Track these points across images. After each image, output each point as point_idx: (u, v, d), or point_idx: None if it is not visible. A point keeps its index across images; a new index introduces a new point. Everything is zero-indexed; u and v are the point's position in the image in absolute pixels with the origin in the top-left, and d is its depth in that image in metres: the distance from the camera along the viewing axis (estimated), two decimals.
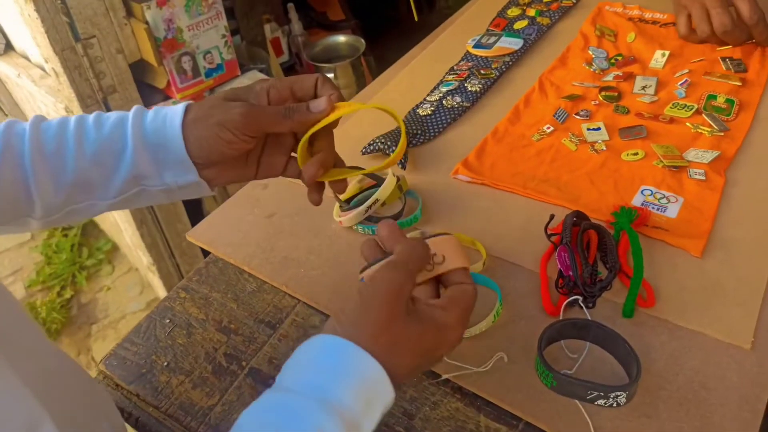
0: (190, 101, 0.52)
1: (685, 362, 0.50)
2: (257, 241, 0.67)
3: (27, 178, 0.48)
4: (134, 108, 0.51)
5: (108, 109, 1.24)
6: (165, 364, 0.57)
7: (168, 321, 0.61)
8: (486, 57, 0.90)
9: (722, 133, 0.71)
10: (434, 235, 0.46)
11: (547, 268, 0.57)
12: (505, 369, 0.51)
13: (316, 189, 0.55)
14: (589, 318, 0.51)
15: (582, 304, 0.53)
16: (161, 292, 1.69)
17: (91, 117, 0.50)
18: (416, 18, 2.07)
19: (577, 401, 0.48)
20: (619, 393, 0.46)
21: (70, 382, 0.48)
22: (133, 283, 2.02)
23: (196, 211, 1.53)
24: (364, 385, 0.38)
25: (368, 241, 0.48)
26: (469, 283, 0.45)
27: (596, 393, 0.47)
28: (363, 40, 1.64)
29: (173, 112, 0.50)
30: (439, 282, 0.46)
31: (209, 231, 0.70)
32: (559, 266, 0.55)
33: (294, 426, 0.36)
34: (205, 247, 0.68)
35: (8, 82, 1.53)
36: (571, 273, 0.53)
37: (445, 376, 0.52)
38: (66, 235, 2.15)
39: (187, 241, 0.69)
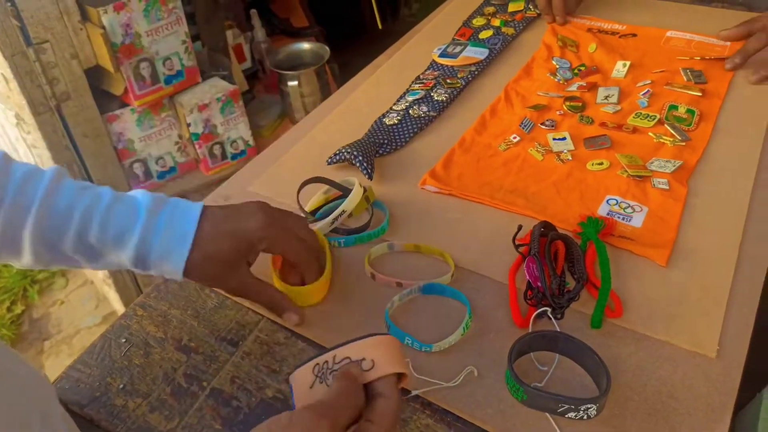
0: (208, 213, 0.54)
1: (652, 372, 0.50)
2: None
3: (22, 232, 0.48)
4: (146, 207, 0.51)
5: (62, 117, 1.19)
6: (121, 386, 0.54)
7: (124, 340, 0.58)
8: (452, 66, 0.90)
9: (684, 143, 0.73)
10: (373, 334, 0.42)
11: (515, 280, 0.57)
12: (476, 383, 0.50)
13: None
14: (558, 330, 0.51)
15: (551, 316, 0.53)
16: (118, 306, 1.63)
17: (101, 209, 0.50)
18: (380, 26, 2.07)
19: (548, 414, 0.48)
20: (589, 405, 0.46)
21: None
22: (89, 296, 1.94)
23: None
24: None
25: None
26: (390, 397, 0.39)
27: (567, 406, 0.46)
28: (327, 48, 1.63)
29: (186, 226, 0.52)
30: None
31: None
32: (527, 277, 0.55)
33: None
34: None
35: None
36: (539, 284, 0.53)
37: (414, 392, 0.50)
38: None
39: None
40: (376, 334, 0.42)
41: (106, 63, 1.19)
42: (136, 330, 0.59)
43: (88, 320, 1.88)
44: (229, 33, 1.58)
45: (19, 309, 1.91)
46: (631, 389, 0.49)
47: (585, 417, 0.47)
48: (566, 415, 0.47)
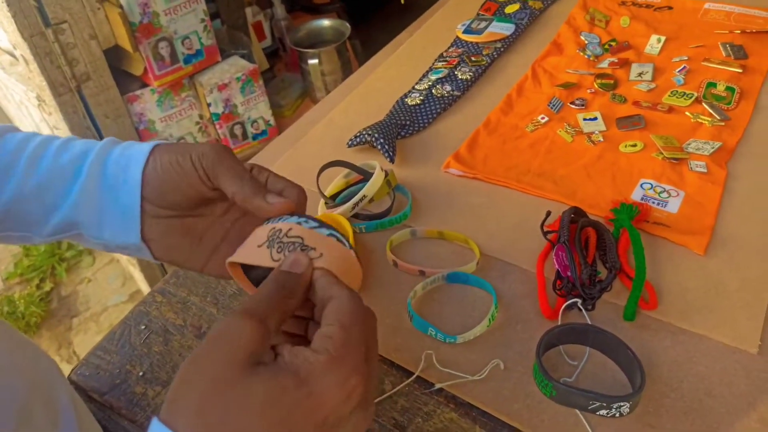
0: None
1: (689, 368, 0.48)
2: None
3: None
4: (108, 139, 0.45)
5: (82, 98, 1.19)
6: (140, 374, 0.54)
7: (143, 327, 0.58)
8: (476, 43, 0.87)
9: (723, 123, 0.69)
10: (335, 234, 0.39)
11: (544, 269, 0.55)
12: (502, 377, 0.49)
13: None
14: (589, 322, 0.48)
15: (581, 307, 0.50)
16: (143, 286, 1.65)
17: (59, 141, 0.45)
18: (402, 0, 2.02)
19: (577, 411, 0.46)
20: (622, 403, 0.44)
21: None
22: (115, 274, 1.97)
23: None
24: None
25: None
26: (338, 296, 0.34)
27: (598, 403, 0.44)
28: (348, 24, 1.59)
29: (145, 144, 0.44)
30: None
31: None
32: (556, 266, 0.52)
33: None
34: None
35: None
36: (569, 274, 0.51)
37: (438, 386, 0.49)
38: None
39: None
40: (337, 236, 0.39)
41: (125, 43, 1.18)
42: (155, 316, 0.58)
43: (114, 298, 1.91)
44: (248, 10, 1.55)
45: (48, 286, 1.95)
46: (666, 386, 0.47)
47: (617, 415, 0.45)
48: (597, 413, 0.45)
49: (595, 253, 0.55)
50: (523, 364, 0.49)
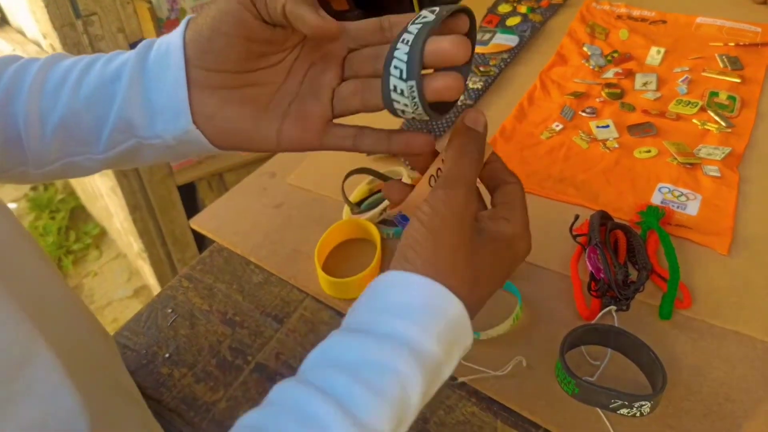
0: None
1: (708, 373, 0.49)
2: (265, 231, 0.64)
3: (17, 124, 0.42)
4: (149, 39, 0.42)
5: None
6: (167, 355, 0.55)
7: (170, 311, 0.59)
8: (483, 54, 0.89)
9: (729, 130, 0.71)
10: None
11: (578, 270, 0.56)
12: (524, 374, 0.50)
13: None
14: (616, 323, 0.50)
15: (614, 314, 0.51)
16: (151, 280, 1.66)
17: (111, 53, 0.43)
18: (417, 11, 2.05)
19: (598, 409, 0.47)
20: (643, 402, 0.45)
21: (72, 316, 0.43)
22: (121, 269, 1.98)
23: (191, 198, 1.50)
24: (447, 327, 0.34)
25: (393, 183, 0.40)
26: (514, 182, 0.40)
27: (620, 402, 0.45)
28: None
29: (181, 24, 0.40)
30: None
31: (213, 219, 0.67)
32: (590, 268, 0.54)
33: (373, 371, 0.32)
34: (210, 236, 0.66)
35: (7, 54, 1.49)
36: (602, 275, 0.52)
37: (461, 379, 0.50)
38: (53, 218, 2.11)
39: (180, 228, 0.67)
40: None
41: (152, 37, 1.20)
42: (182, 301, 0.59)
43: (119, 292, 1.91)
44: None
45: None
46: (686, 389, 0.48)
47: (638, 414, 0.45)
48: (618, 411, 0.46)
49: (626, 255, 0.56)
50: (545, 362, 0.50)
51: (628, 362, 0.50)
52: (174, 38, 0.39)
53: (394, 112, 0.36)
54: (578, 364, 0.50)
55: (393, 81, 0.34)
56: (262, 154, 1.45)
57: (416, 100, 0.34)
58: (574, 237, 0.57)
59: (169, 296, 0.60)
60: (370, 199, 0.66)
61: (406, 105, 0.35)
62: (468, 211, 0.36)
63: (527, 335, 0.52)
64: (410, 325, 0.33)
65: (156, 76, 0.40)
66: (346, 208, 0.65)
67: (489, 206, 0.41)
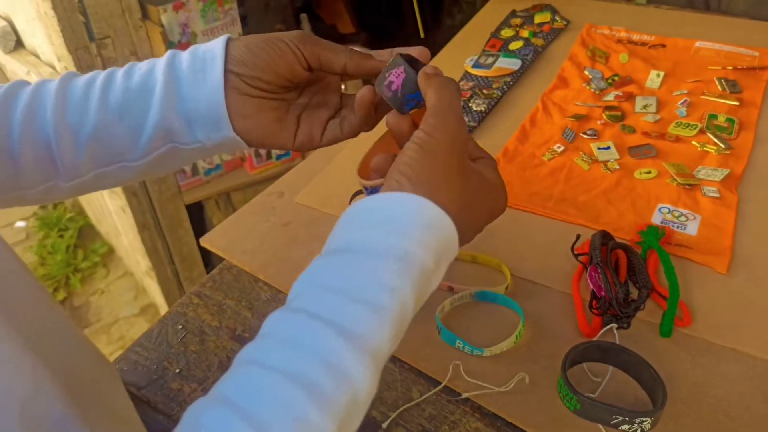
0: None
1: (708, 390, 0.50)
2: (273, 249, 0.66)
3: (48, 136, 0.44)
4: (169, 52, 0.46)
5: None
6: (177, 370, 0.56)
7: (180, 327, 0.60)
8: (486, 77, 0.91)
9: (728, 152, 0.73)
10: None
11: (579, 289, 0.57)
12: (527, 390, 0.51)
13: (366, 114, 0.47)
14: (617, 341, 0.51)
15: (615, 332, 0.52)
16: (158, 298, 1.67)
17: (124, 67, 0.46)
18: (422, 35, 2.08)
19: (600, 426, 0.48)
20: (644, 419, 0.46)
21: (71, 345, 0.45)
22: (128, 287, 2.00)
23: (198, 217, 1.52)
24: (440, 241, 0.35)
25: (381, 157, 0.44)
26: (488, 156, 0.43)
27: (621, 418, 0.46)
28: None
29: (215, 41, 0.45)
30: None
31: (223, 237, 0.69)
32: (591, 287, 0.55)
33: (366, 284, 0.33)
34: (220, 254, 0.67)
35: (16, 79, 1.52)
36: (603, 294, 0.53)
37: (465, 395, 0.51)
38: (62, 236, 2.13)
39: (187, 247, 0.69)
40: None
41: None
42: (191, 317, 0.61)
43: (126, 310, 1.93)
44: None
45: (61, 296, 1.97)
46: (686, 406, 0.49)
47: (639, 430, 0.46)
48: (620, 428, 0.47)
49: (626, 274, 0.57)
50: (548, 378, 0.51)
51: (629, 379, 0.51)
52: (213, 52, 0.44)
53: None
54: (580, 380, 0.51)
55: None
56: (267, 173, 1.48)
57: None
58: (576, 256, 0.58)
59: (179, 313, 0.61)
60: None
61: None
62: (460, 136, 0.38)
63: (530, 352, 0.53)
64: (404, 240, 0.34)
65: (193, 86, 0.44)
66: None
67: None
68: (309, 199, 0.72)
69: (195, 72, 0.44)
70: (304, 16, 1.70)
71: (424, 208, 0.35)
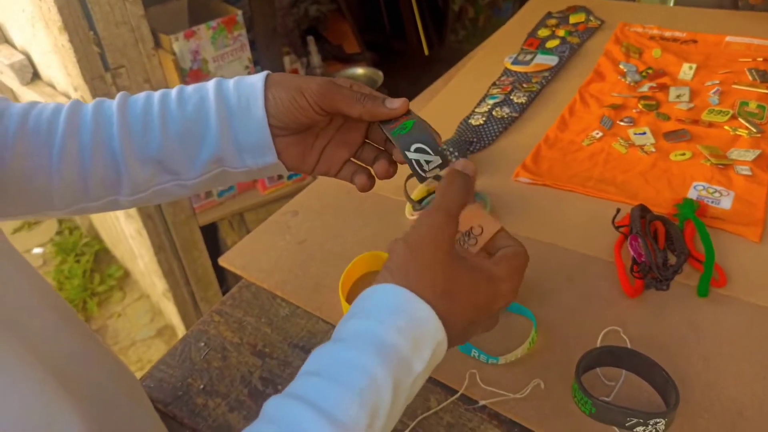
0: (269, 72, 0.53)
1: (721, 391, 0.51)
2: (290, 266, 0.68)
3: (116, 158, 0.49)
4: (214, 82, 0.51)
5: None
6: (201, 386, 0.58)
7: (203, 344, 0.62)
8: (525, 72, 0.95)
9: (759, 135, 0.76)
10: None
11: (621, 255, 0.61)
12: (543, 396, 0.52)
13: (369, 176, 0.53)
14: (629, 345, 0.52)
15: (624, 336, 0.54)
16: (175, 319, 1.69)
17: (174, 93, 0.51)
18: (426, 52, 2.11)
19: (615, 428, 0.49)
20: (658, 420, 0.47)
21: (95, 366, 0.48)
22: (144, 310, 2.02)
23: (212, 238, 1.55)
24: (409, 323, 0.37)
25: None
26: (517, 245, 0.43)
27: (636, 420, 0.47)
28: (381, 73, 1.68)
29: (255, 78, 0.51)
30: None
31: (241, 257, 0.71)
32: (632, 254, 0.59)
33: (340, 368, 0.36)
34: (238, 272, 0.69)
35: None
36: (644, 259, 0.57)
37: (482, 402, 0.52)
38: (78, 261, 2.16)
39: (202, 268, 0.70)
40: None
41: (177, 85, 1.26)
42: (213, 335, 0.63)
43: (143, 333, 1.95)
44: (286, 59, 1.65)
45: None
46: (700, 407, 0.50)
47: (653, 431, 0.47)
48: (634, 430, 0.48)
49: (665, 243, 0.61)
50: (562, 384, 0.52)
51: (642, 382, 0.52)
52: (255, 93, 0.50)
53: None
54: (594, 385, 0.52)
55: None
56: (279, 193, 1.51)
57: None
58: (617, 228, 0.62)
59: (201, 331, 0.63)
60: (428, 198, 0.71)
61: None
62: (444, 233, 0.40)
63: (544, 359, 0.55)
64: (370, 322, 0.37)
65: (242, 122, 0.50)
66: (408, 206, 0.71)
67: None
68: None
69: (242, 108, 0.50)
70: (311, 39, 1.74)
71: (396, 294, 0.38)
